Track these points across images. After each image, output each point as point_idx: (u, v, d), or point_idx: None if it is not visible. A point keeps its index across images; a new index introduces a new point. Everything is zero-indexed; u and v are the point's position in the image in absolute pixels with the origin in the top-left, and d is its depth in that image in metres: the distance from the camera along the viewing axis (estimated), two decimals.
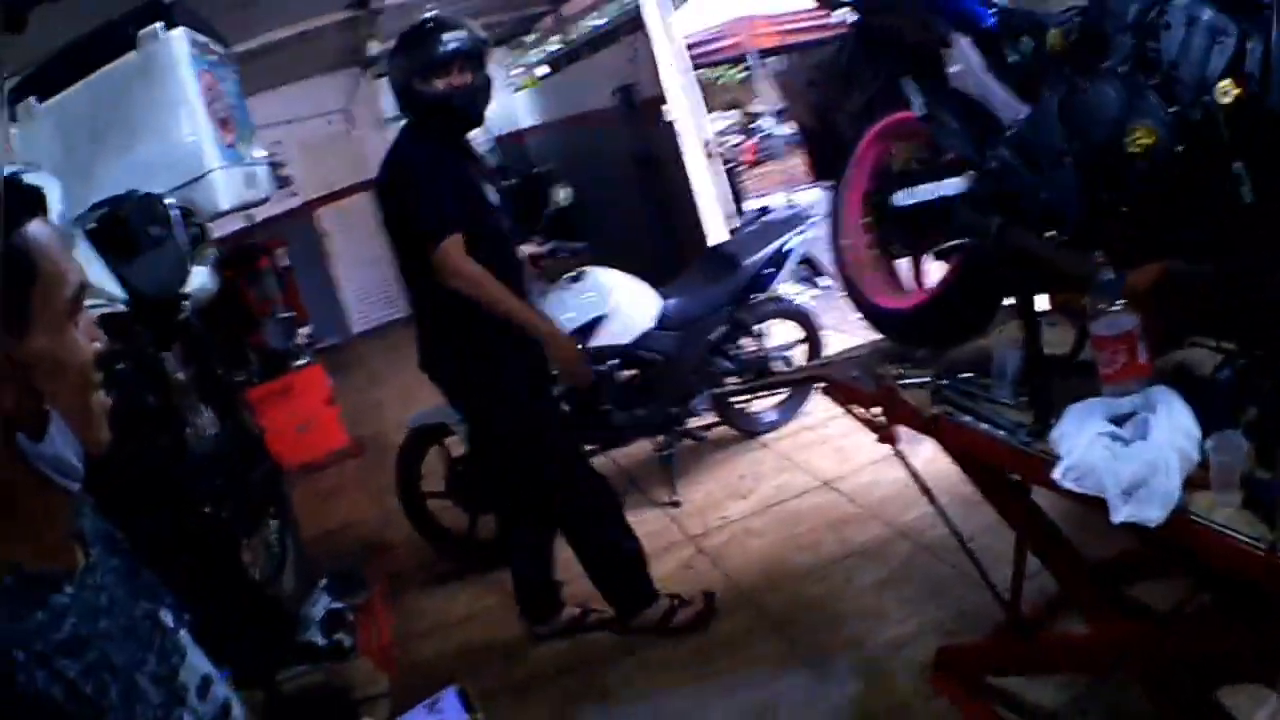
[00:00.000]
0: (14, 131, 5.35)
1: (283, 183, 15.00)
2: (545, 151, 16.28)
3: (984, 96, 3.55)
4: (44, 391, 1.53)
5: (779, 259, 7.20)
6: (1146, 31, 2.78)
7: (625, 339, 6.84)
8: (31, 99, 5.30)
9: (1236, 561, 2.39)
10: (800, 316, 7.52)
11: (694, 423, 7.31)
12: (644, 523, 6.41)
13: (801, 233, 7.20)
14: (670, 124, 11.38)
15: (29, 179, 3.42)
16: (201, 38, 5.60)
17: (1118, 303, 2.88)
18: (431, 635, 6.08)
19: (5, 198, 1.52)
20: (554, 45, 16.81)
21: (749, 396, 7.53)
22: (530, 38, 17.81)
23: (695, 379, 7.10)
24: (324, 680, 4.73)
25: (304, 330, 10.77)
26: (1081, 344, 3.34)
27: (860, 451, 4.82)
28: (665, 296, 7.06)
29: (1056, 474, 2.76)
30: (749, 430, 7.63)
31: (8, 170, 3.12)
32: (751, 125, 24.41)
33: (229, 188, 5.51)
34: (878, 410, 3.99)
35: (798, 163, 14.39)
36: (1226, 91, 2.48)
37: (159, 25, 5.24)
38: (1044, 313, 3.76)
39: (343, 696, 4.71)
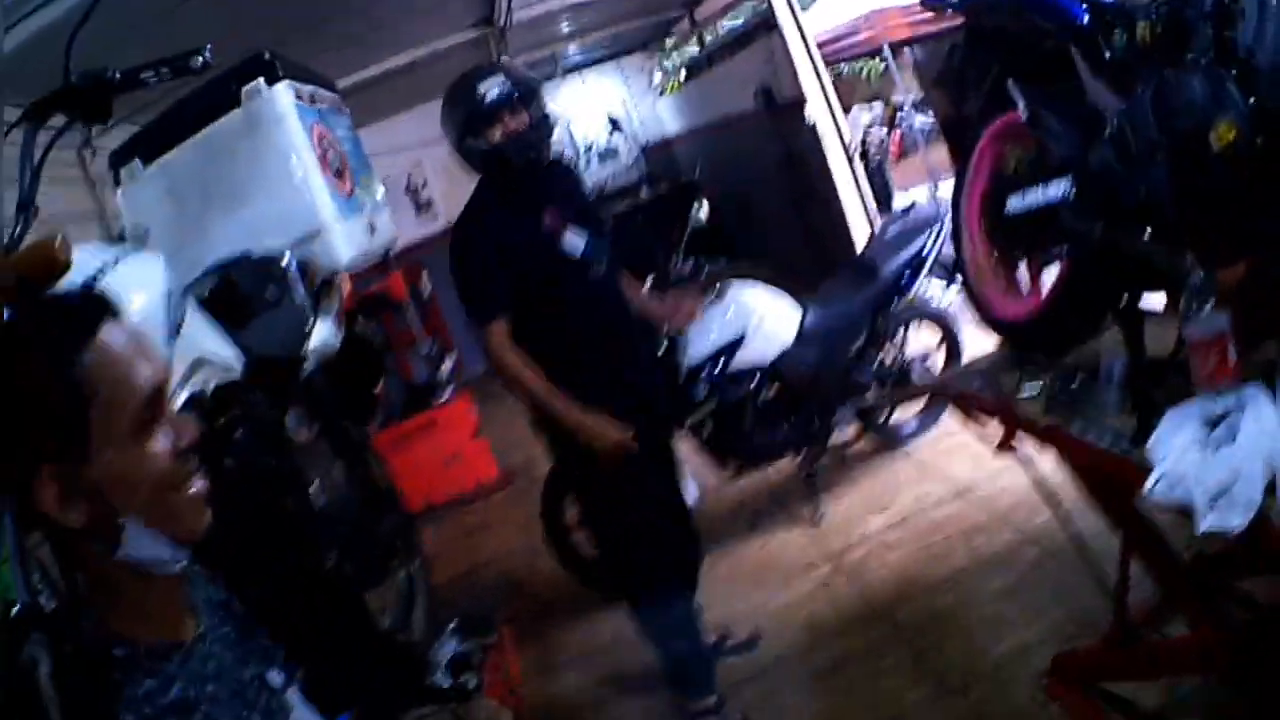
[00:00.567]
0: (120, 195, 5.41)
1: (422, 207, 15.17)
2: (692, 158, 16.27)
3: (1093, 96, 3.47)
4: (116, 505, 1.57)
5: (918, 262, 7.09)
6: (1225, 19, 2.72)
7: (766, 358, 6.82)
8: (137, 161, 5.33)
9: None
10: (940, 319, 7.43)
11: (836, 436, 7.25)
12: (786, 543, 6.54)
13: (938, 233, 7.08)
14: (813, 126, 11.28)
15: (125, 265, 3.51)
16: (307, 88, 5.58)
17: (1209, 303, 2.81)
18: (571, 666, 6.16)
19: (66, 316, 1.59)
20: (693, 48, 16.83)
21: (887, 409, 7.45)
22: (670, 41, 17.85)
23: (838, 392, 7.04)
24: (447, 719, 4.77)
25: (448, 362, 10.64)
26: (1181, 345, 3.22)
27: (995, 456, 4.78)
28: (806, 308, 7.02)
29: (1148, 486, 2.73)
30: (890, 440, 7.56)
31: (81, 277, 3.21)
32: (896, 117, 24.25)
33: (349, 240, 5.43)
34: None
35: (942, 153, 14.19)
36: None
37: (261, 80, 5.21)
38: (1153, 313, 3.71)
39: None
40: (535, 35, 13.19)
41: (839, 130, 11.45)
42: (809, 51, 11.41)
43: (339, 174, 5.56)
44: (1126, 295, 3.52)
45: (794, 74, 11.35)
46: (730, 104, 13.56)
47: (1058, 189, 3.62)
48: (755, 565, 6.62)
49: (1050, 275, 4.02)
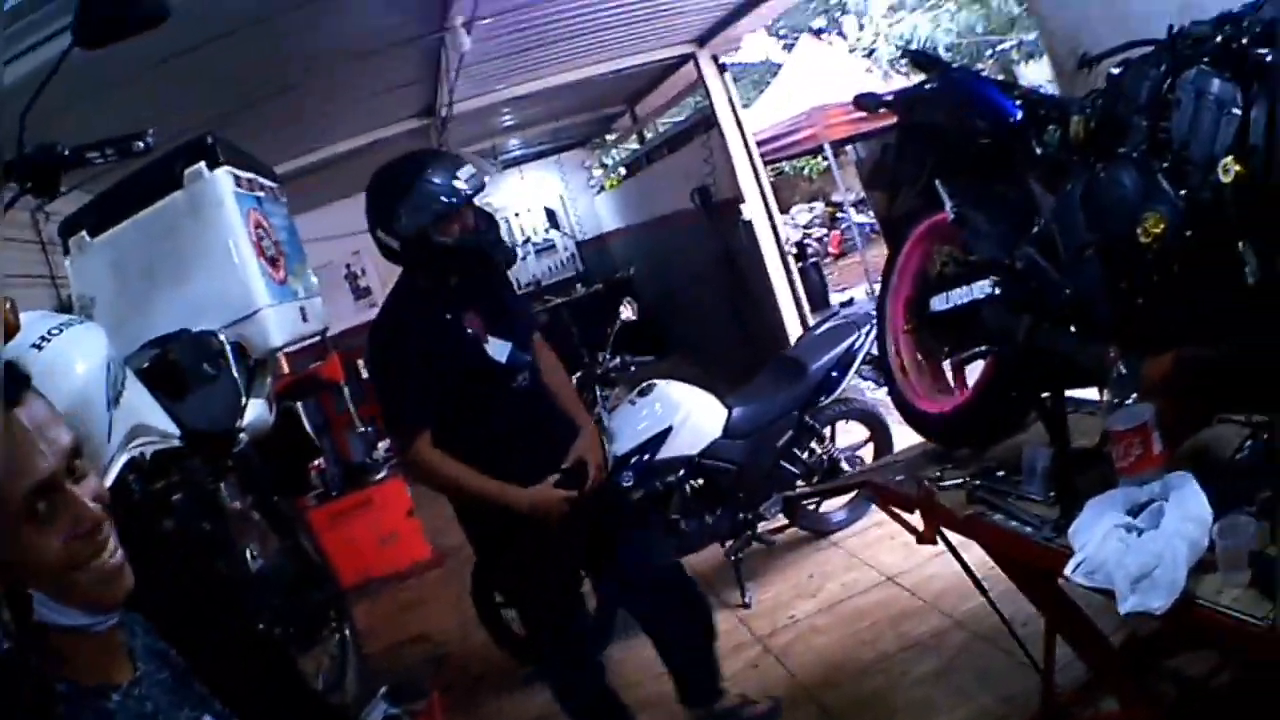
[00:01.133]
0: (68, 264, 5.47)
1: (361, 293, 15.27)
2: (628, 254, 16.37)
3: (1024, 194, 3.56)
4: (19, 579, 1.60)
5: (847, 360, 7.19)
6: (1159, 111, 2.77)
7: (693, 450, 6.88)
8: (84, 233, 5.39)
9: (1239, 640, 2.42)
10: (868, 416, 7.52)
11: (764, 526, 7.32)
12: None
13: (869, 332, 7.16)
14: (749, 224, 11.43)
15: (70, 333, 3.57)
16: (246, 174, 5.66)
17: (1132, 395, 2.90)
18: None
19: None
20: (632, 145, 16.99)
21: (815, 499, 7.50)
22: (610, 137, 18.01)
23: (765, 485, 7.12)
24: None
25: (384, 444, 10.74)
26: (1106, 437, 3.29)
27: (924, 545, 4.86)
28: (733, 405, 7.11)
29: (1068, 570, 2.80)
30: (819, 530, 7.63)
31: (29, 341, 3.27)
32: (836, 216, 24.49)
33: (280, 325, 5.49)
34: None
35: (882, 251, 14.36)
36: (1228, 169, 2.44)
37: (203, 164, 5.28)
38: (1080, 404, 3.82)
39: None
40: (477, 127, 13.29)
41: (775, 229, 11.58)
42: (748, 149, 11.58)
43: (273, 261, 5.63)
44: (1050, 390, 3.55)
45: (732, 172, 11.54)
46: (667, 201, 13.75)
47: (982, 288, 3.68)
48: None
49: (974, 372, 4.09)
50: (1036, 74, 18.30)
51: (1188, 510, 2.59)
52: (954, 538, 3.95)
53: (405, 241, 4.47)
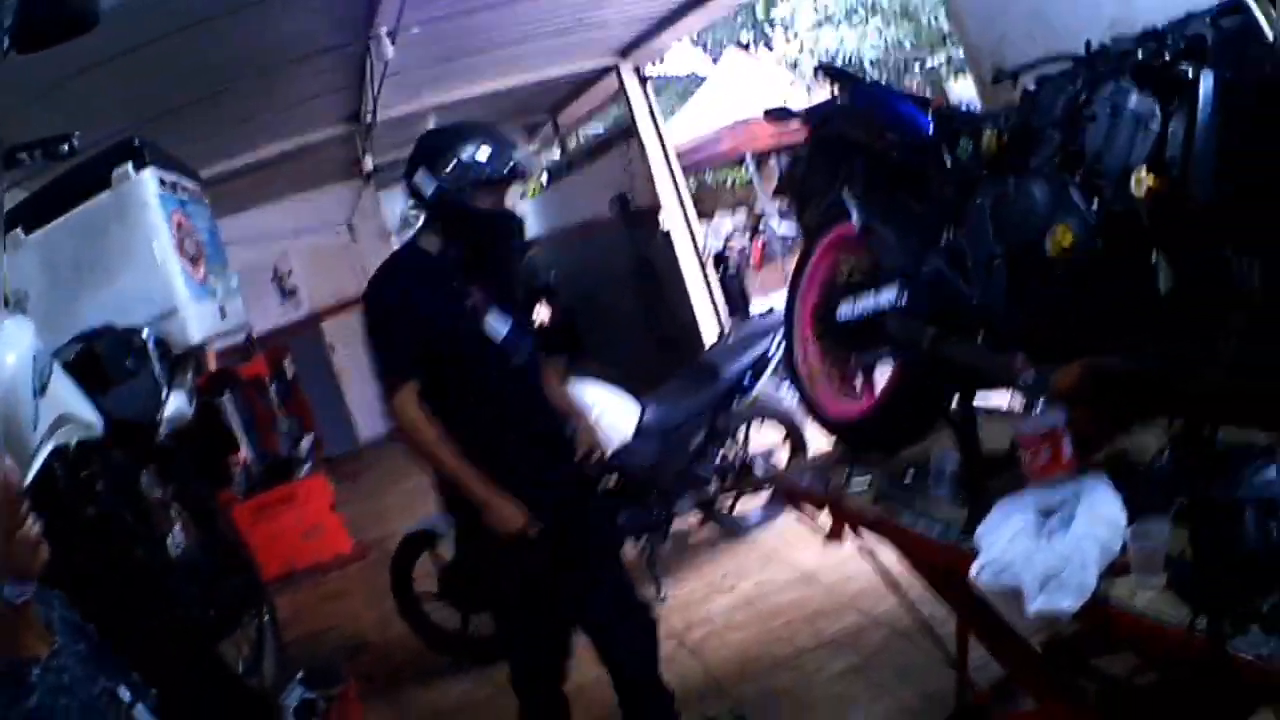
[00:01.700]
0: (3, 260, 5.50)
1: (287, 294, 15.28)
2: (549, 260, 16.39)
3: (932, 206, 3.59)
4: None
5: (761, 364, 7.30)
6: (1074, 125, 2.83)
7: (606, 449, 6.88)
8: (19, 230, 5.40)
9: (1154, 642, 2.49)
10: (784, 418, 7.61)
11: (679, 524, 7.43)
12: None
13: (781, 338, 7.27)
14: (667, 233, 11.55)
15: (6, 323, 3.64)
16: (171, 176, 5.77)
17: (1041, 401, 2.98)
18: None
19: None
20: (555, 153, 17.00)
21: (730, 498, 7.65)
22: (532, 146, 18.00)
23: (677, 484, 7.23)
24: None
25: (307, 440, 11.04)
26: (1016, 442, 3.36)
27: (827, 545, 4.87)
28: (646, 406, 7.19)
29: (973, 571, 2.86)
30: (734, 530, 7.74)
31: None
32: (759, 225, 24.54)
33: (200, 321, 5.67)
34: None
35: None
36: (1141, 181, 2.49)
37: (130, 166, 5.41)
38: (990, 410, 3.90)
39: None
40: (401, 134, 13.21)
41: (693, 237, 11.67)
42: (668, 159, 11.65)
43: (194, 260, 5.77)
44: (957, 396, 3.58)
45: (651, 181, 11.64)
46: (588, 209, 13.77)
47: (887, 296, 3.74)
48: None
49: (883, 376, 4.16)
50: (965, 89, 18.38)
51: (1099, 513, 2.67)
52: (871, 539, 4.00)
53: (443, 192, 4.39)
